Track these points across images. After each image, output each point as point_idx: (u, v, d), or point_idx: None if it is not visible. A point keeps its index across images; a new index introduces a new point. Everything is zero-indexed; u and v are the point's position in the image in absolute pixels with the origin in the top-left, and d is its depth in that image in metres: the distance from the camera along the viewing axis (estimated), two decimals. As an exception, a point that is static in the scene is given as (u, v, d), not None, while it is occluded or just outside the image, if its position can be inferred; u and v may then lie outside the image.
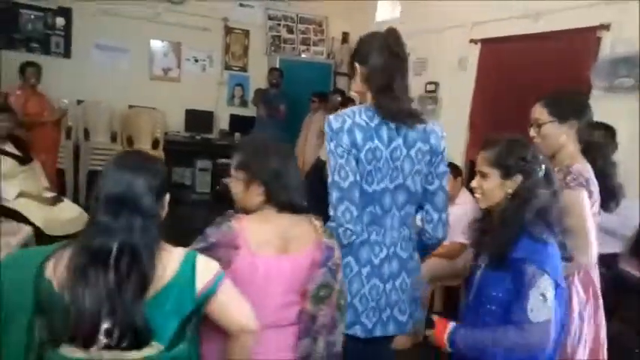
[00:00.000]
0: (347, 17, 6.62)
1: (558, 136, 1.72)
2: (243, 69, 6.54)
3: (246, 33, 6.45)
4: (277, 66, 5.99)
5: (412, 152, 1.49)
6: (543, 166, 1.42)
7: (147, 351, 1.07)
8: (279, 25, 6.53)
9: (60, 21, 5.67)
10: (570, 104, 1.79)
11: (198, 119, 6.10)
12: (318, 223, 1.39)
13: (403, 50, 1.51)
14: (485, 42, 4.10)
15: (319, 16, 6.66)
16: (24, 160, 3.29)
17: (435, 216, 1.56)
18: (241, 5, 6.33)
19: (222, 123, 6.37)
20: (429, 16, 4.88)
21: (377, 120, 1.47)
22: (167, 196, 1.21)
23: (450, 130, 4.44)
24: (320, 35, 6.70)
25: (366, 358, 1.53)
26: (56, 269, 1.06)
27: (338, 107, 5.26)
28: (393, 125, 1.48)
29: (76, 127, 5.29)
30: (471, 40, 4.24)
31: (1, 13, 5.44)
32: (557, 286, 1.32)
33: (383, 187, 1.48)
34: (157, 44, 6.11)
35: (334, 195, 1.45)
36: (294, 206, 1.32)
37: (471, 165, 4.16)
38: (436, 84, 4.73)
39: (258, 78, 6.33)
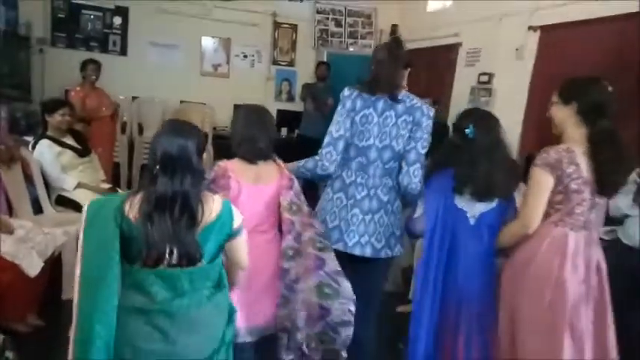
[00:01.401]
0: (397, 9, 6.48)
1: (560, 118, 1.84)
2: (291, 64, 6.55)
3: (294, 27, 6.45)
4: (324, 60, 5.95)
5: (399, 121, 1.96)
6: (469, 127, 1.89)
7: (197, 266, 1.44)
8: (327, 18, 6.48)
9: (117, 20, 5.90)
10: (573, 86, 1.84)
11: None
12: (281, 163, 1.96)
13: (391, 54, 1.99)
14: (545, 29, 3.86)
15: (368, 9, 6.55)
16: (83, 152, 3.41)
17: (405, 167, 1.98)
18: (290, 0, 6.35)
19: (270, 118, 6.41)
20: (484, 5, 4.67)
21: (375, 96, 1.98)
22: (204, 156, 1.51)
23: (505, 122, 4.25)
24: (368, 28, 6.59)
25: (350, 271, 1.89)
26: (131, 209, 1.39)
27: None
28: (389, 101, 1.97)
29: (131, 122, 5.48)
30: (530, 28, 4.01)
31: (64, 14, 5.72)
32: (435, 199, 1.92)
33: (369, 144, 1.97)
34: (207, 41, 6.23)
35: (326, 139, 1.99)
36: (253, 160, 1.87)
37: (527, 160, 3.94)
38: (490, 75, 4.52)
39: (305, 72, 6.32)
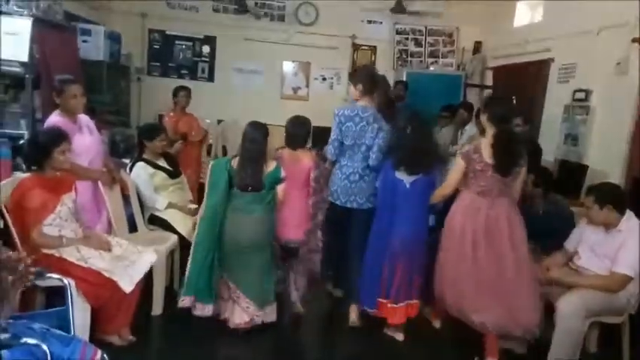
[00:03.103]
0: (480, 26, 6.27)
1: (482, 121, 2.83)
2: (370, 85, 6.53)
3: (373, 49, 6.47)
4: (404, 80, 5.86)
5: (369, 128, 3.04)
6: (408, 128, 2.91)
7: (261, 192, 2.90)
8: (406, 38, 6.43)
9: (205, 49, 6.28)
10: (487, 101, 3.04)
11: (324, 136, 6.17)
12: (314, 151, 3.27)
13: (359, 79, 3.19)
14: (653, 40, 3.51)
15: (449, 27, 6.41)
16: (174, 174, 3.60)
17: (371, 154, 3.07)
18: (369, 22, 6.37)
19: (348, 139, 6.41)
20: (578, 17, 4.37)
21: (354, 112, 3.08)
22: (267, 141, 2.94)
23: (605, 143, 3.91)
24: (450, 46, 6.44)
25: (341, 216, 3.19)
26: (234, 163, 2.90)
27: (466, 122, 4.97)
28: (362, 115, 3.06)
29: (216, 144, 5.74)
30: (634, 40, 3.66)
31: (159, 45, 6.20)
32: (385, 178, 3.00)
33: (352, 143, 3.09)
34: (288, 65, 6.42)
35: (329, 140, 3.17)
36: (296, 147, 3.16)
37: (634, 182, 3.56)
38: (587, 91, 4.18)
39: (384, 93, 6.28)
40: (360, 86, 3.10)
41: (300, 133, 3.17)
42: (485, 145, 2.70)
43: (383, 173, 3.03)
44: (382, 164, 3.05)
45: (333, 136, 3.14)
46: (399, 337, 3.03)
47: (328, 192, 3.20)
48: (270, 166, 2.92)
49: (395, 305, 2.95)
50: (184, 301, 2.87)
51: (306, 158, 3.15)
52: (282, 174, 2.93)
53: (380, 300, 2.98)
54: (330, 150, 3.16)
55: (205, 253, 2.84)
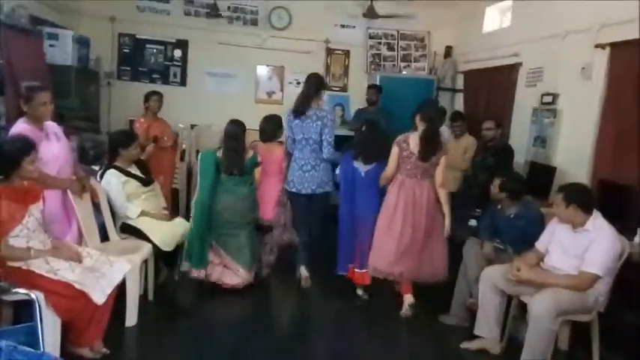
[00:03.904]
0: (451, 31, 6.39)
1: (416, 120, 3.41)
2: (343, 89, 6.58)
3: (347, 53, 6.50)
4: (377, 83, 5.91)
5: (313, 124, 3.68)
6: (364, 127, 3.71)
7: (243, 176, 3.67)
8: (379, 43, 6.49)
9: (177, 53, 6.19)
10: (419, 104, 3.51)
11: (299, 140, 6.20)
12: (283, 145, 3.99)
13: (309, 83, 3.80)
14: (616, 46, 3.63)
15: (421, 32, 6.50)
16: (146, 182, 3.53)
17: (323, 148, 3.69)
18: (342, 26, 6.41)
19: (323, 143, 6.42)
20: (545, 22, 4.50)
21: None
22: (245, 135, 3.71)
23: (572, 145, 4.01)
24: (421, 51, 6.53)
25: (300, 202, 3.83)
26: (219, 153, 3.64)
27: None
28: (307, 113, 3.69)
29: (189, 149, 5.66)
30: (597, 45, 3.79)
31: (129, 49, 6.08)
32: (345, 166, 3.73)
33: (300, 137, 3.72)
34: (262, 69, 6.39)
35: (286, 137, 3.91)
36: (268, 140, 3.97)
37: (600, 184, 3.67)
38: (554, 95, 4.30)
39: (358, 97, 6.31)
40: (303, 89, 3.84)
41: (272, 128, 3.94)
42: (414, 137, 3.36)
43: (344, 164, 3.69)
44: (338, 156, 3.76)
45: (287, 132, 3.87)
46: (364, 295, 3.65)
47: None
48: (249, 154, 3.68)
49: (361, 270, 3.58)
50: (184, 267, 3.60)
51: (277, 150, 3.93)
52: (259, 159, 3.74)
53: (350, 266, 3.67)
54: (287, 145, 3.94)
55: (198, 227, 3.51)
